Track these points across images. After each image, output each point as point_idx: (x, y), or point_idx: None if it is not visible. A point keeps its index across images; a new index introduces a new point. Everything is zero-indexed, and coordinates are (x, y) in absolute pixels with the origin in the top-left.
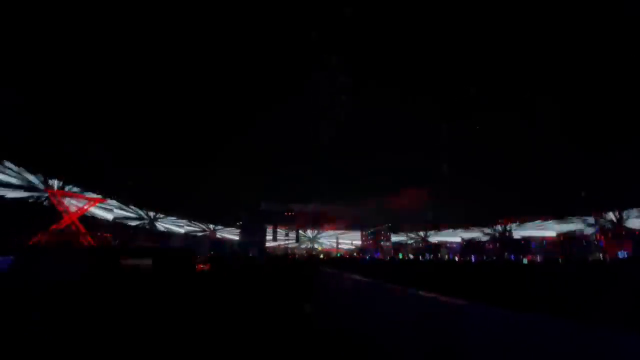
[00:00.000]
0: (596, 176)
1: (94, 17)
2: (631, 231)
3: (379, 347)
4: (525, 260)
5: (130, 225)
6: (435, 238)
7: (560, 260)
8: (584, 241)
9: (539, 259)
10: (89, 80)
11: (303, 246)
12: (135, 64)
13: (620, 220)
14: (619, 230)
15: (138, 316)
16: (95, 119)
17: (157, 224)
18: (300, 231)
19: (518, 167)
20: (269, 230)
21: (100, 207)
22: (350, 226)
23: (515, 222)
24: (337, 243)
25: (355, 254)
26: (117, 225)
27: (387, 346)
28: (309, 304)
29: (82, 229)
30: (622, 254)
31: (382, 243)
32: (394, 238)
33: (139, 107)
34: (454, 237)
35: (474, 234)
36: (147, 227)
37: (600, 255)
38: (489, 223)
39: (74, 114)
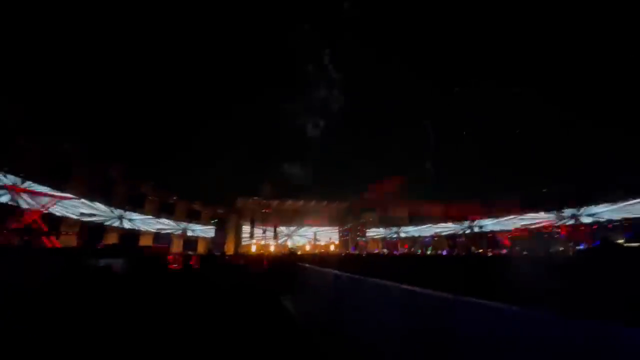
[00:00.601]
0: (561, 171)
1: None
2: (589, 225)
3: (362, 343)
4: (489, 254)
5: (98, 223)
6: (409, 232)
7: (524, 252)
8: (546, 234)
9: (504, 251)
10: (52, 64)
11: (281, 242)
12: (107, 50)
13: (579, 214)
14: (578, 225)
15: (112, 320)
16: (60, 109)
17: (125, 222)
18: (277, 227)
19: (491, 160)
20: (246, 227)
21: (65, 205)
22: (327, 222)
23: (484, 217)
24: (315, 239)
25: (333, 249)
26: (83, 223)
27: (372, 341)
28: (288, 300)
29: (44, 227)
30: (581, 246)
31: (358, 238)
32: (369, 233)
33: (109, 98)
34: (427, 231)
35: (447, 228)
36: (115, 225)
37: (562, 247)
38: (461, 218)
39: (35, 102)
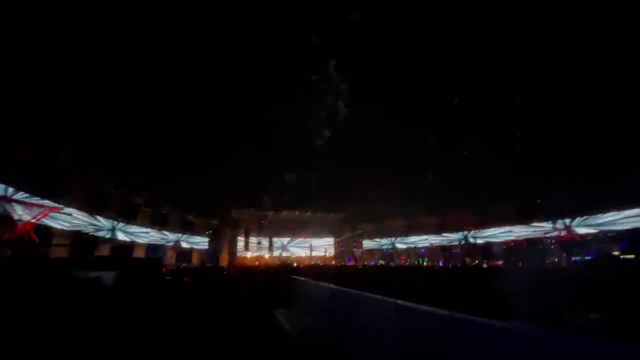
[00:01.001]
0: (555, 183)
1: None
2: (583, 236)
3: (357, 359)
4: (484, 265)
5: (90, 235)
6: (405, 243)
7: (519, 264)
8: (540, 245)
9: (499, 263)
10: (46, 73)
11: (276, 254)
12: (104, 60)
13: (573, 225)
14: (571, 236)
15: (93, 335)
16: (54, 120)
17: (118, 233)
18: (272, 239)
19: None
20: (241, 238)
21: (58, 216)
22: (323, 233)
23: (479, 229)
24: (311, 250)
25: (328, 260)
26: (75, 234)
27: (367, 357)
28: (282, 314)
29: (35, 239)
30: (575, 258)
31: (354, 250)
32: (365, 243)
33: (104, 111)
34: (423, 242)
35: (442, 238)
36: (108, 236)
37: (556, 258)
38: (456, 229)
39: (29, 112)
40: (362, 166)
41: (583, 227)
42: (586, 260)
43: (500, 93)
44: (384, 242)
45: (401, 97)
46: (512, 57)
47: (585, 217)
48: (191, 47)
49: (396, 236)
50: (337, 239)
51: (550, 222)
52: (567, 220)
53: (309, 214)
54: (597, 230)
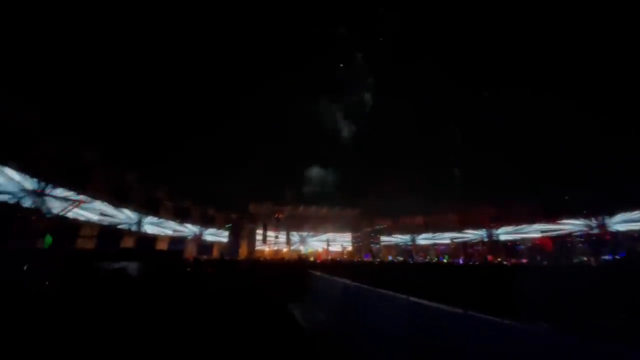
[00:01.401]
0: (584, 178)
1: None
2: (615, 234)
3: (368, 355)
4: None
5: (115, 227)
6: (425, 240)
7: (545, 262)
8: (568, 244)
9: (524, 261)
10: (68, 65)
11: (293, 248)
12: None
13: (604, 223)
14: (604, 233)
15: (111, 323)
16: (79, 117)
17: (143, 226)
18: (290, 233)
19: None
20: (260, 232)
21: (84, 209)
22: (340, 228)
23: (503, 226)
24: (328, 245)
25: (345, 255)
26: (101, 227)
27: (378, 355)
28: (297, 307)
29: (64, 232)
30: (605, 257)
31: (371, 245)
32: (383, 239)
33: (127, 107)
34: (443, 239)
35: (464, 235)
36: (133, 229)
37: (585, 257)
38: (479, 225)
39: (55, 109)
40: (382, 161)
41: (621, 225)
42: (618, 259)
43: (528, 88)
44: (402, 239)
45: (424, 93)
46: (539, 53)
47: (616, 214)
48: (210, 43)
49: (416, 233)
50: (354, 234)
51: (580, 219)
52: (602, 217)
53: (325, 209)
54: (630, 229)
